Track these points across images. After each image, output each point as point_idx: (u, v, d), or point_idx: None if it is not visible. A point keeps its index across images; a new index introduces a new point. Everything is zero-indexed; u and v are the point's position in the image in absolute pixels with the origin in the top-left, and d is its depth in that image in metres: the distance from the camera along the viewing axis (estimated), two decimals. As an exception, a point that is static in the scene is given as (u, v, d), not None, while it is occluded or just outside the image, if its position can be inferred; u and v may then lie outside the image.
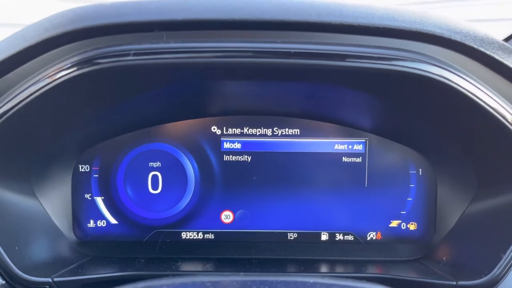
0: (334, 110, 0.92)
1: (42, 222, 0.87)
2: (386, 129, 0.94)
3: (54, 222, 0.89)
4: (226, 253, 0.95)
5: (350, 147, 0.96)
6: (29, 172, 0.83)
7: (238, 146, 0.96)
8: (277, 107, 0.94)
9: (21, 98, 0.69)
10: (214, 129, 0.96)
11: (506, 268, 0.73)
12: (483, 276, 0.74)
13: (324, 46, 0.68)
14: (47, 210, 0.87)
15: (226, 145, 0.96)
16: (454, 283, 0.76)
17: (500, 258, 0.73)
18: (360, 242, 0.97)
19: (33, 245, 0.82)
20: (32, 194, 0.85)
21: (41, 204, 0.86)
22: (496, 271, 0.73)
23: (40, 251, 0.83)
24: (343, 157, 0.96)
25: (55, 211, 0.89)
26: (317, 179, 0.96)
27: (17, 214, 0.80)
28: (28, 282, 0.74)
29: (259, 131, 0.96)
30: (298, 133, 0.96)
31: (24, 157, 0.80)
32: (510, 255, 0.73)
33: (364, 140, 0.96)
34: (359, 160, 0.96)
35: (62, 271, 0.80)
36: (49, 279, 0.76)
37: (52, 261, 0.83)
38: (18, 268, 0.73)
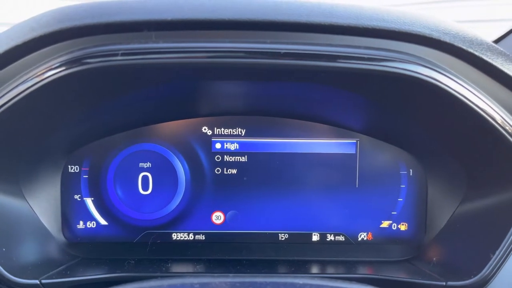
0: (325, 110, 0.92)
1: (31, 223, 0.86)
2: (377, 129, 0.94)
3: (42, 223, 0.88)
4: (217, 254, 0.95)
5: (341, 147, 0.96)
6: (17, 173, 0.82)
7: (229, 146, 0.96)
8: (268, 107, 0.93)
9: (9, 98, 0.69)
10: (205, 129, 0.95)
11: (495, 269, 0.73)
12: (472, 276, 0.75)
13: (314, 46, 0.68)
14: (35, 211, 0.87)
15: (217, 146, 0.96)
16: (444, 283, 0.77)
17: (490, 259, 0.74)
18: (351, 242, 0.98)
19: (21, 246, 0.81)
20: (21, 195, 0.84)
21: (29, 205, 0.86)
22: (485, 271, 0.74)
23: (28, 252, 0.82)
24: (334, 158, 0.96)
25: (44, 212, 0.89)
26: (308, 179, 0.96)
27: (5, 215, 0.79)
28: (15, 284, 0.74)
29: (249, 131, 0.96)
30: (289, 134, 0.95)
31: (12, 157, 0.79)
32: (499, 255, 0.73)
33: (355, 141, 0.96)
34: (350, 160, 0.96)
35: (50, 273, 0.79)
36: (37, 281, 0.75)
37: (41, 263, 0.82)
38: (6, 270, 0.73)
